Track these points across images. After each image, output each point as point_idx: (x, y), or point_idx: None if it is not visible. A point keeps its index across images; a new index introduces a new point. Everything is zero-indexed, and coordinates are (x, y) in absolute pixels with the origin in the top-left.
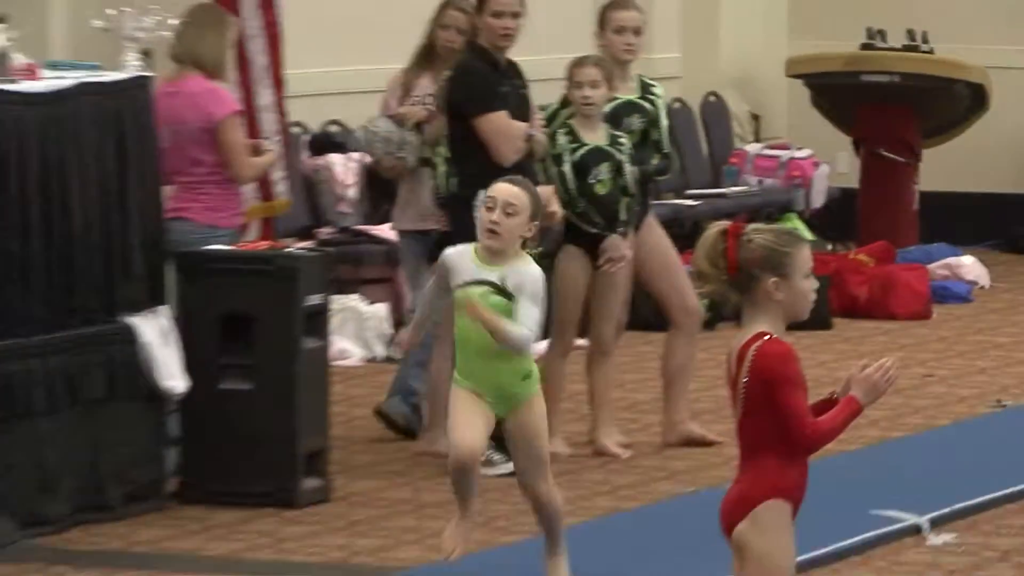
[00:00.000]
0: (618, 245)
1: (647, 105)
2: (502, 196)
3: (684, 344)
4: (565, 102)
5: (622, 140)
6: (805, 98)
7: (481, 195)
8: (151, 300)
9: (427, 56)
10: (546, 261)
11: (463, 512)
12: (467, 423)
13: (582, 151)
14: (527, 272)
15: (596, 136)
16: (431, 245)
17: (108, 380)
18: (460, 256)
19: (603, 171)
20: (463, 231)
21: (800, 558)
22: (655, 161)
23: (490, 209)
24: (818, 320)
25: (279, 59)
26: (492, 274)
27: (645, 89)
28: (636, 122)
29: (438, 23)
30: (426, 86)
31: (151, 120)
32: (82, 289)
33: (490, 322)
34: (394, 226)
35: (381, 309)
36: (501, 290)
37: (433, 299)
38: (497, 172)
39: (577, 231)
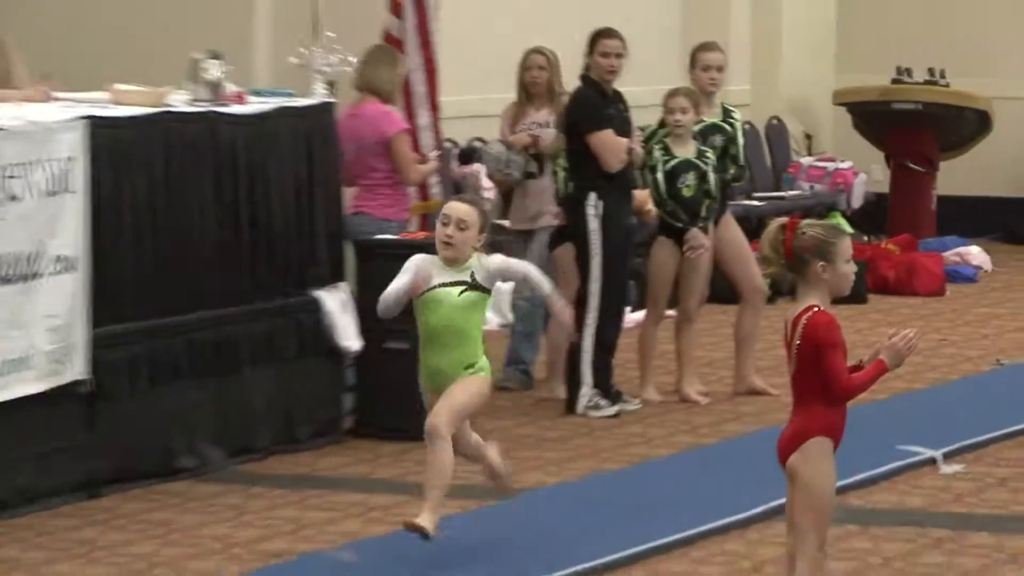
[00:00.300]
0: (699, 237)
1: (727, 127)
2: (455, 214)
3: (751, 315)
4: (662, 123)
5: (708, 154)
6: (847, 122)
7: (592, 197)
8: (333, 278)
9: (525, 95)
10: (642, 248)
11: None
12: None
13: (673, 162)
14: (495, 263)
15: (686, 150)
16: (545, 238)
17: (298, 341)
18: (426, 263)
19: (690, 178)
20: (577, 224)
21: (840, 483)
22: (732, 171)
23: (445, 224)
24: (856, 296)
25: (435, 88)
26: (462, 275)
27: (727, 114)
28: (718, 140)
29: (523, 67)
30: (531, 116)
31: (334, 137)
32: (279, 269)
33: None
34: (509, 225)
35: (511, 285)
36: (474, 285)
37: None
38: (605, 178)
39: (668, 225)
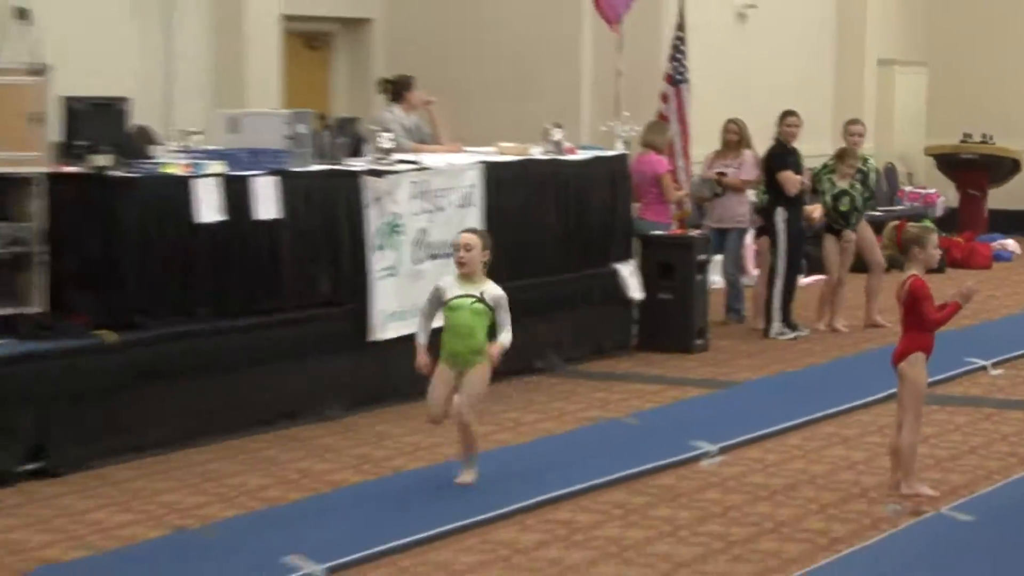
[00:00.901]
0: (850, 235)
1: (865, 169)
2: (461, 241)
3: (875, 279)
4: (826, 165)
5: (856, 186)
6: (933, 165)
7: (779, 209)
8: (625, 256)
9: (724, 146)
10: (810, 240)
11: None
12: (437, 392)
13: (836, 190)
14: (498, 293)
15: (844, 183)
16: (736, 235)
17: (605, 292)
18: (448, 282)
19: (845, 201)
20: (770, 225)
21: (929, 380)
22: (867, 195)
23: (457, 250)
24: (938, 269)
25: (687, 145)
26: (474, 290)
27: (864, 161)
28: (859, 176)
29: (724, 130)
30: (723, 160)
31: (627, 174)
32: (592, 251)
33: (497, 359)
34: (704, 224)
35: (720, 261)
36: (482, 300)
37: (427, 319)
38: (786, 198)
39: (832, 228)
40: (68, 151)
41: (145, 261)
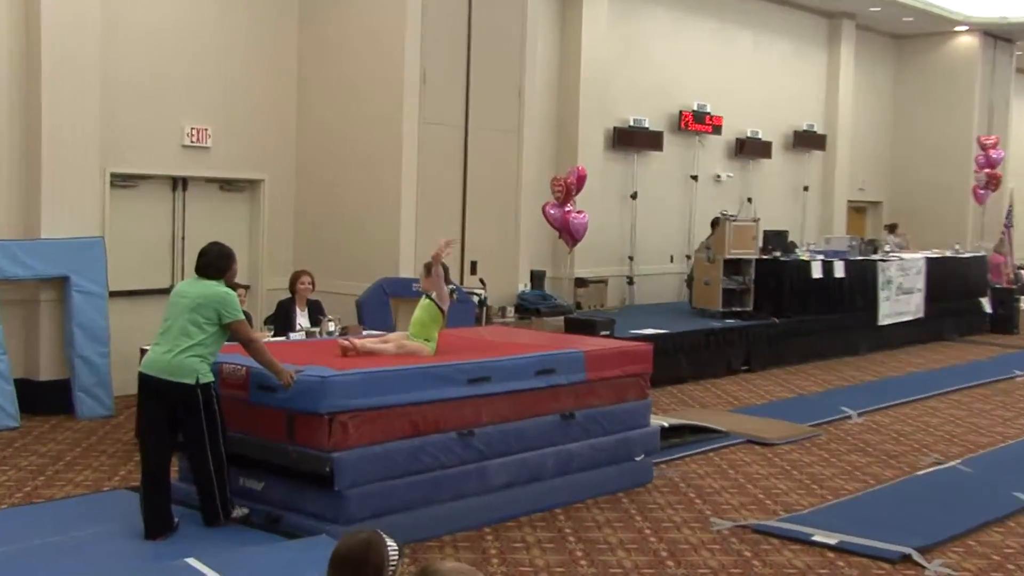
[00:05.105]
0: None
1: None
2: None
3: None
4: None
5: None
6: None
7: None
8: (984, 294)
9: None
10: None
11: None
12: None
13: None
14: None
15: None
16: None
17: (975, 308)
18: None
19: None
20: None
21: None
22: None
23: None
24: None
25: (1012, 252)
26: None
27: None
28: None
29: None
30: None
31: (986, 263)
32: (971, 291)
33: None
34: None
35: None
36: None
37: None
38: None
39: None
40: (765, 249)
41: (792, 291)
